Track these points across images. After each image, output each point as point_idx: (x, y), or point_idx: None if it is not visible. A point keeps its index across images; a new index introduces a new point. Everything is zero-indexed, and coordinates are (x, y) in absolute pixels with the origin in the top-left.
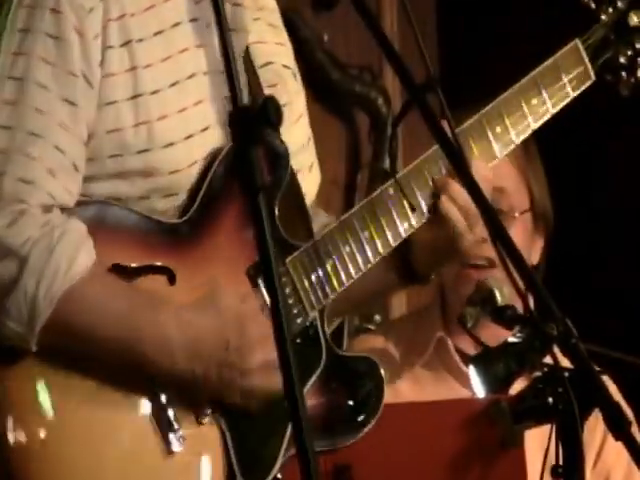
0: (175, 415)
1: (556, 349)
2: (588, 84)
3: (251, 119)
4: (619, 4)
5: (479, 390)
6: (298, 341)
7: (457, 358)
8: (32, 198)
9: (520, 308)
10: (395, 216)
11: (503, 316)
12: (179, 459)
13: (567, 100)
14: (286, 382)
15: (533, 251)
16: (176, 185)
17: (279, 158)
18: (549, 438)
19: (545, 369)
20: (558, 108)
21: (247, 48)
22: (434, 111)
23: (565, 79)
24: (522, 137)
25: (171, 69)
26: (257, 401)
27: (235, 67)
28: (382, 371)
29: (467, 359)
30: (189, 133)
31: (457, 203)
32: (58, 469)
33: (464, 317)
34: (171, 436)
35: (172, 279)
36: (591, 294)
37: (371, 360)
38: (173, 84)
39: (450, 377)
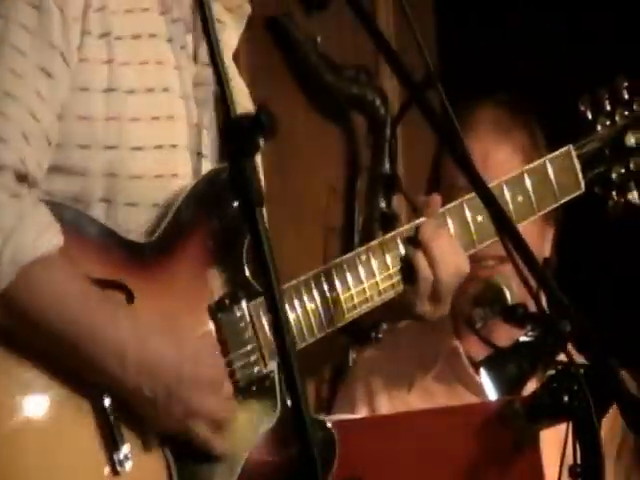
0: (122, 433)
1: (570, 346)
2: (576, 194)
3: (244, 131)
4: (617, 119)
5: (491, 393)
6: (254, 389)
7: (470, 369)
8: (5, 158)
9: (530, 305)
10: (366, 284)
11: (514, 315)
12: None
13: (553, 206)
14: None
15: (544, 243)
16: (137, 193)
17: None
18: (565, 437)
19: (559, 367)
20: (543, 212)
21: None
22: (434, 108)
23: (554, 184)
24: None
25: (148, 75)
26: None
27: (227, 79)
28: (335, 436)
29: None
30: (159, 143)
31: (428, 252)
32: None
33: (472, 318)
34: (116, 455)
35: (130, 299)
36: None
37: (324, 423)
38: (149, 90)
39: (462, 388)
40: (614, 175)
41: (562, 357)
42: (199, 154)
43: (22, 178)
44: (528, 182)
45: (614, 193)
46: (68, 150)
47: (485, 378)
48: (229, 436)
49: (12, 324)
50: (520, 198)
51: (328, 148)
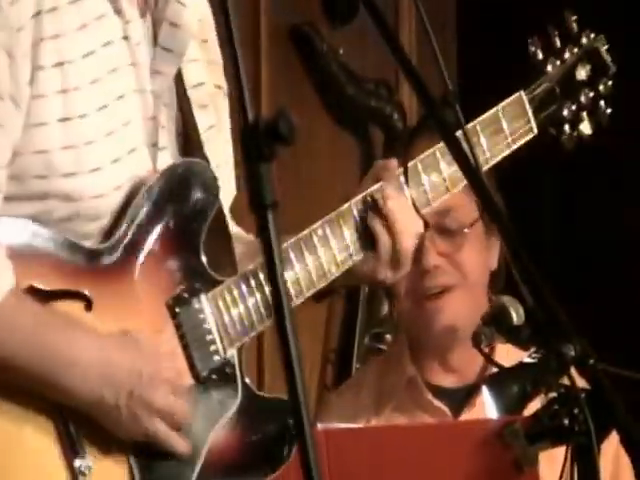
0: (83, 443)
1: (573, 370)
2: (529, 137)
3: (261, 133)
4: (567, 56)
5: (492, 412)
6: (214, 377)
7: (429, 395)
8: None
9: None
10: (323, 258)
11: (519, 336)
12: None
13: (507, 152)
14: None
15: (491, 256)
16: (99, 210)
17: (208, 188)
18: (564, 460)
19: (561, 390)
20: (497, 160)
21: (179, 69)
22: (451, 127)
23: (507, 131)
24: (457, 188)
25: (99, 92)
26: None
27: (244, 84)
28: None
29: (440, 391)
30: (116, 157)
31: (385, 217)
32: None
33: (478, 336)
34: (76, 464)
35: (89, 306)
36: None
37: (287, 403)
38: (102, 107)
39: (423, 414)
40: (565, 112)
41: (564, 380)
42: (154, 145)
43: None
44: (482, 136)
45: (566, 128)
46: (26, 182)
47: (487, 396)
48: (189, 433)
49: None
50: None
51: (345, 158)
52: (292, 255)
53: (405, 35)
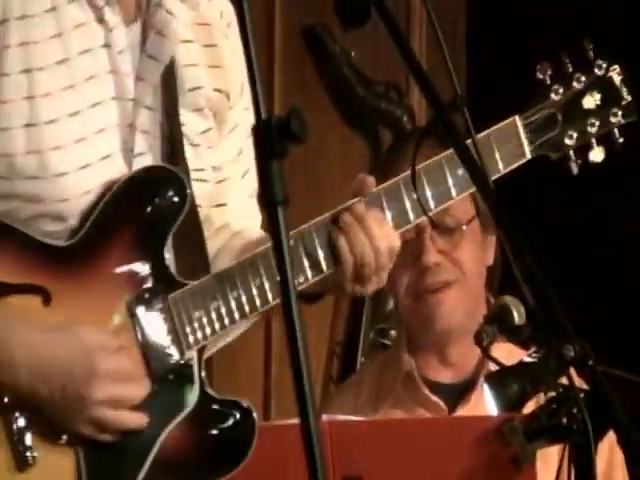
0: (28, 433)
1: (572, 370)
2: (522, 162)
3: (273, 132)
4: (574, 84)
5: (493, 409)
6: (171, 377)
7: (426, 390)
8: None
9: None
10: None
11: (520, 335)
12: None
13: (497, 175)
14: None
15: (487, 253)
16: (65, 212)
17: (175, 193)
18: (561, 458)
19: (560, 389)
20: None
21: (174, 72)
22: (460, 131)
23: (497, 154)
24: (440, 206)
25: (73, 98)
26: (108, 434)
27: (258, 83)
28: (254, 418)
29: (436, 386)
30: (85, 163)
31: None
32: None
33: (480, 335)
34: (22, 454)
35: (47, 300)
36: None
37: (244, 406)
38: (73, 114)
39: (421, 410)
40: (567, 139)
41: (563, 380)
42: (131, 151)
43: None
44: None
45: (572, 155)
46: None
47: (488, 394)
48: (139, 411)
49: None
50: (460, 172)
51: (355, 159)
52: (260, 266)
53: (416, 40)
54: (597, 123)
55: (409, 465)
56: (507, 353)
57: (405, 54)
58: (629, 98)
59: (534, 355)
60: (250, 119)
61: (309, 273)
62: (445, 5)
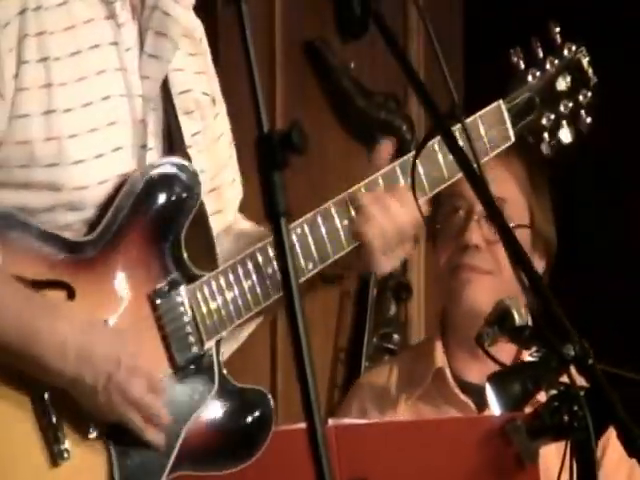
0: (63, 427)
1: (572, 369)
2: (507, 145)
3: (275, 144)
4: (548, 67)
5: (496, 408)
6: (192, 368)
7: (456, 389)
8: None
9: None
10: (300, 255)
11: (521, 336)
12: (61, 473)
13: (484, 159)
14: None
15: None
16: (82, 201)
17: (189, 186)
18: (563, 455)
19: (561, 388)
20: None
21: (166, 76)
22: (458, 140)
23: (485, 138)
24: (435, 191)
25: (85, 90)
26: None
27: (259, 94)
28: (271, 403)
29: (467, 386)
30: (100, 152)
31: (373, 222)
32: None
33: (481, 336)
34: (55, 447)
35: (71, 295)
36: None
37: (262, 392)
38: (86, 104)
39: (450, 408)
40: (544, 121)
41: (564, 378)
42: (144, 147)
43: None
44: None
45: (545, 136)
46: (8, 171)
47: (490, 393)
48: (162, 427)
49: None
50: (450, 157)
51: (355, 171)
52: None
53: (413, 50)
54: (570, 105)
55: (414, 467)
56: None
57: (403, 65)
58: (595, 79)
59: (535, 355)
60: (228, 127)
61: (330, 251)
62: (442, 13)
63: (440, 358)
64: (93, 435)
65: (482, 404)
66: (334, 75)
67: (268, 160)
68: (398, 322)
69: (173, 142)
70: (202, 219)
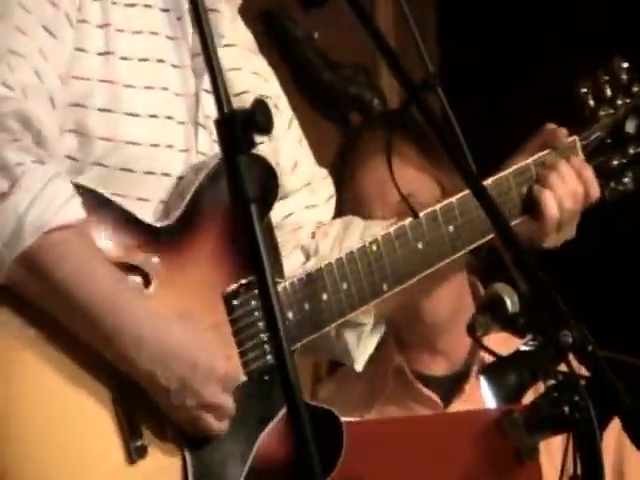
0: (140, 424)
1: (571, 356)
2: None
3: (238, 125)
4: (618, 106)
5: (491, 401)
6: (266, 378)
7: (418, 384)
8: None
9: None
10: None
11: (515, 324)
12: (137, 471)
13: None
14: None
15: None
16: (132, 159)
17: (269, 180)
18: (566, 448)
19: (560, 377)
20: None
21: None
22: (434, 111)
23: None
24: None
25: (142, 45)
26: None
27: (219, 75)
28: (343, 427)
29: (428, 380)
30: (154, 113)
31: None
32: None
33: (473, 325)
34: (133, 444)
35: (147, 283)
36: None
37: (332, 413)
38: (142, 59)
39: (413, 403)
40: (614, 163)
41: (563, 367)
42: (197, 124)
43: (40, 142)
44: (534, 172)
45: (612, 182)
46: (63, 108)
47: (485, 386)
48: (238, 433)
49: (29, 286)
50: (524, 189)
51: (325, 148)
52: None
53: (381, 15)
54: (638, 149)
55: (408, 464)
56: (503, 342)
57: (371, 32)
58: None
59: (530, 343)
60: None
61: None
62: None
63: (397, 357)
64: (169, 436)
65: (447, 396)
66: (297, 47)
67: (231, 143)
68: None
69: None
70: (267, 223)
